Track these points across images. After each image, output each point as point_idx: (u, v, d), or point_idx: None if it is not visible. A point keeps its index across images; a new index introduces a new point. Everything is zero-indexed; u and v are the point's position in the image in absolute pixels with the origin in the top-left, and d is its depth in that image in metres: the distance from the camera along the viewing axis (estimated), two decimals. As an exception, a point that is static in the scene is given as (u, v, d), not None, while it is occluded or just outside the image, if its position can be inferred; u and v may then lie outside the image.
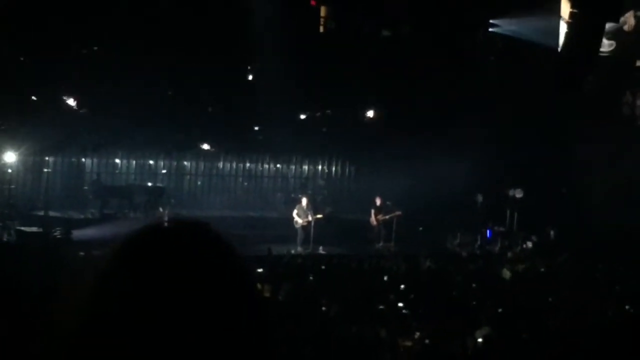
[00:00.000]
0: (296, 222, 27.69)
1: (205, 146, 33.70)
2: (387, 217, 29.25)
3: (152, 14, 27.10)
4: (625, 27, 30.95)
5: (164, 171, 34.49)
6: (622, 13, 30.58)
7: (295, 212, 27.97)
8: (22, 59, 27.28)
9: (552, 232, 29.66)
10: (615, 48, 31.04)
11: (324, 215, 28.12)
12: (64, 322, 1.53)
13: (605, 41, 30.03)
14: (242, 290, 1.59)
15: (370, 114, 33.36)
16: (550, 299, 19.09)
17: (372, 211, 29.57)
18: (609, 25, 29.20)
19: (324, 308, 17.01)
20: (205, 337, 1.50)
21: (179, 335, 1.48)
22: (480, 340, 14.29)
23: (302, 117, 33.44)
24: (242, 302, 1.57)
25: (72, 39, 26.71)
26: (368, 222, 29.71)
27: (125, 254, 1.57)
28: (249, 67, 32.39)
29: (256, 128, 33.17)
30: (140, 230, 1.61)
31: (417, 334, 14.99)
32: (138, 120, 29.29)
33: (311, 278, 20.83)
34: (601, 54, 29.91)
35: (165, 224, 1.64)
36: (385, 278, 21.57)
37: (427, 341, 14.50)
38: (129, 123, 29.32)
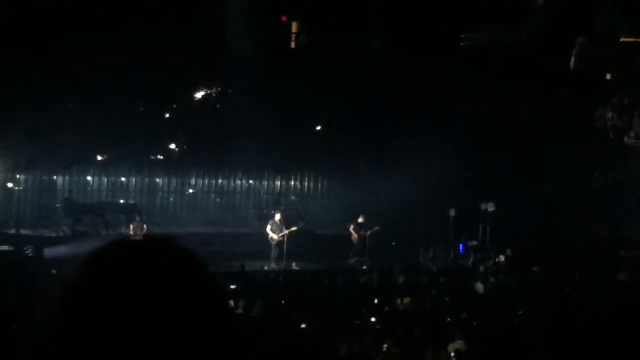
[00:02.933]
0: (272, 237, 27.65)
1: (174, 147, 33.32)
2: (367, 233, 29.34)
3: (122, 29, 27.00)
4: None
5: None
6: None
7: (269, 227, 27.94)
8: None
9: (523, 246, 29.77)
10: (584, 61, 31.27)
11: (297, 228, 28.10)
12: (32, 336, 1.53)
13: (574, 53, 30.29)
14: (211, 304, 1.58)
15: (333, 127, 33.42)
16: (521, 312, 19.17)
17: (352, 227, 29.62)
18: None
19: (297, 324, 16.99)
20: (174, 350, 1.49)
21: (147, 348, 1.48)
22: (452, 354, 14.32)
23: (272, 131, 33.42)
24: (210, 315, 1.57)
25: (40, 53, 26.55)
26: (341, 236, 29.78)
27: (91, 267, 1.56)
28: (218, 86, 32.35)
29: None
30: (106, 244, 1.60)
31: (390, 348, 15.00)
32: (109, 137, 29.21)
33: (284, 294, 20.80)
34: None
35: (132, 239, 1.64)
36: (359, 293, 21.58)
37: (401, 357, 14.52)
38: (100, 140, 29.24)
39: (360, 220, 29.74)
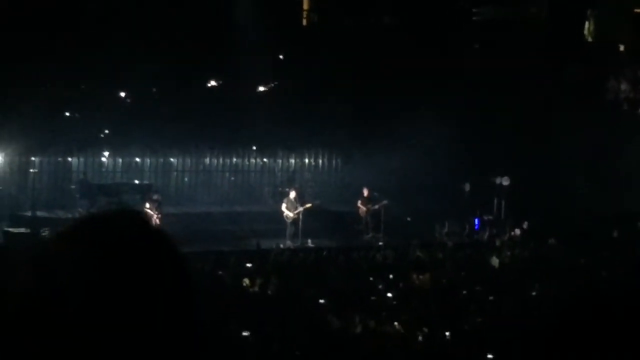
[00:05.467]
0: (287, 216, 27.67)
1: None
2: (376, 207, 29.28)
3: (134, 11, 27.01)
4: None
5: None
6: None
7: (284, 205, 27.96)
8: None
9: (538, 219, 29.74)
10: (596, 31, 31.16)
11: (312, 205, 28.11)
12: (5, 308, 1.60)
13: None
14: (171, 276, 1.62)
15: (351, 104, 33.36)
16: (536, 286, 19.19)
17: (359, 202, 29.61)
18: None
19: (313, 301, 17.05)
20: (134, 323, 1.54)
21: (109, 322, 1.53)
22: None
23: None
24: (169, 289, 1.60)
25: (57, 37, 26.60)
26: (356, 213, 29.74)
27: (59, 241, 1.63)
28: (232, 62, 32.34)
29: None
30: (73, 222, 1.66)
31: (406, 323, 15.05)
32: (125, 118, 29.26)
33: (300, 272, 20.87)
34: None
35: (95, 214, 1.68)
36: (374, 269, 21.64)
37: (418, 334, 14.56)
38: (116, 121, 29.29)
39: (365, 193, 29.67)
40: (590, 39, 31.26)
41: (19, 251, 22.04)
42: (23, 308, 1.57)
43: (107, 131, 30.58)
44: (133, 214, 1.71)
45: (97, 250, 1.58)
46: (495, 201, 31.40)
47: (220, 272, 20.08)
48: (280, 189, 33.10)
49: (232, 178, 36.19)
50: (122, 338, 1.53)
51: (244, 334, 13.92)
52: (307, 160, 37.56)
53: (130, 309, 1.54)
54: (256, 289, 18.53)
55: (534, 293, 18.49)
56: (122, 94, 28.79)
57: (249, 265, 21.28)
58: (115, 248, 1.59)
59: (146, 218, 1.72)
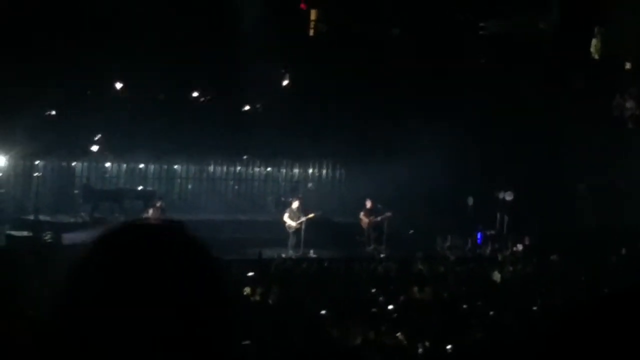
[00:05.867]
0: (289, 225, 27.65)
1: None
2: (378, 219, 29.24)
3: (140, 16, 27.01)
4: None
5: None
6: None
7: (286, 215, 27.94)
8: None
9: (541, 235, 29.71)
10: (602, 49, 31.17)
11: (315, 215, 28.09)
12: (42, 312, 1.60)
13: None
14: (211, 289, 1.63)
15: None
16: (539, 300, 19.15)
17: (362, 213, 29.58)
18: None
19: (314, 311, 17.01)
20: (174, 330, 1.55)
21: (148, 329, 1.53)
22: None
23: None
24: (210, 299, 1.61)
25: (61, 41, 26.61)
26: (359, 224, 29.71)
27: (99, 247, 1.63)
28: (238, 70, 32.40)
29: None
30: (115, 227, 1.66)
31: (407, 336, 15.00)
32: (129, 124, 29.28)
33: (301, 282, 20.84)
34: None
35: (141, 222, 1.68)
36: (375, 281, 21.60)
37: (419, 347, 14.52)
38: (120, 126, 29.32)
39: (368, 205, 29.64)
40: (596, 56, 31.26)
41: (22, 254, 22.05)
42: (61, 313, 1.57)
43: (110, 136, 30.56)
44: (176, 225, 1.72)
45: (141, 258, 1.59)
46: (498, 216, 31.40)
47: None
48: (283, 198, 33.13)
49: (236, 186, 36.25)
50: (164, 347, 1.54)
51: (245, 342, 13.90)
52: (310, 171, 37.61)
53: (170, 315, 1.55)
54: (257, 298, 18.50)
55: (535, 308, 18.45)
56: (127, 99, 28.77)
57: (250, 274, 21.25)
58: (158, 256, 1.60)
59: (187, 228, 1.72)
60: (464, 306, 18.51)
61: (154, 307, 1.54)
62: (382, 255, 27.30)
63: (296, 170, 37.36)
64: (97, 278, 1.57)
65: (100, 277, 1.56)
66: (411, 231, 30.68)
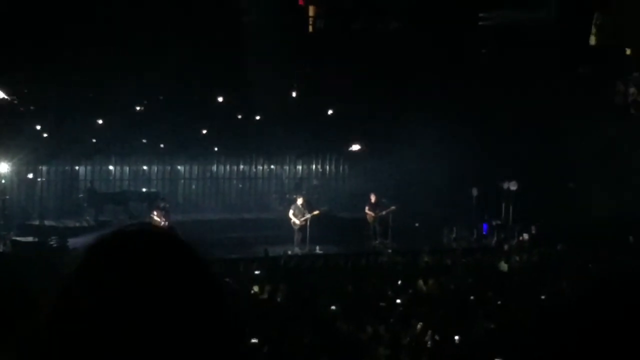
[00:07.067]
0: (294, 222, 27.61)
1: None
2: (383, 213, 29.19)
3: (142, 16, 27.00)
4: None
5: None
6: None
7: (291, 212, 27.90)
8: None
9: (546, 224, 29.68)
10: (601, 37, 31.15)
11: (320, 212, 28.06)
12: (36, 323, 1.59)
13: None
14: (204, 295, 1.61)
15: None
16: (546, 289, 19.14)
17: (367, 208, 29.52)
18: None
19: (322, 307, 17.03)
20: (168, 340, 1.54)
21: (141, 338, 1.52)
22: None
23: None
24: (205, 306, 1.60)
25: (64, 44, 26.58)
26: (364, 219, 29.67)
27: (90, 257, 1.62)
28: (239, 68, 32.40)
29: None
30: (105, 236, 1.65)
31: (417, 327, 15.01)
32: (132, 126, 29.31)
33: (308, 278, 20.84)
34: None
35: (129, 230, 1.67)
36: (383, 275, 21.61)
37: (427, 337, 14.53)
38: (123, 129, 29.33)
39: (372, 199, 29.58)
40: (597, 43, 31.22)
41: (28, 260, 22.05)
42: (57, 320, 1.57)
43: (114, 139, 30.58)
44: (166, 230, 1.73)
45: (128, 264, 1.58)
46: (504, 206, 31.34)
47: (228, 280, 20.07)
48: (287, 195, 33.11)
49: (240, 185, 36.25)
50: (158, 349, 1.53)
51: (253, 340, 13.90)
52: (314, 167, 37.58)
53: (161, 320, 1.54)
54: (265, 295, 18.52)
55: (542, 297, 18.44)
56: (129, 102, 28.77)
57: (257, 272, 21.27)
58: (143, 262, 1.59)
59: (172, 232, 1.72)
60: (472, 297, 18.52)
61: (148, 322, 1.53)
62: (388, 250, 27.23)
63: (300, 167, 37.33)
64: (85, 294, 1.56)
65: (92, 289, 1.56)
66: (416, 224, 30.66)
